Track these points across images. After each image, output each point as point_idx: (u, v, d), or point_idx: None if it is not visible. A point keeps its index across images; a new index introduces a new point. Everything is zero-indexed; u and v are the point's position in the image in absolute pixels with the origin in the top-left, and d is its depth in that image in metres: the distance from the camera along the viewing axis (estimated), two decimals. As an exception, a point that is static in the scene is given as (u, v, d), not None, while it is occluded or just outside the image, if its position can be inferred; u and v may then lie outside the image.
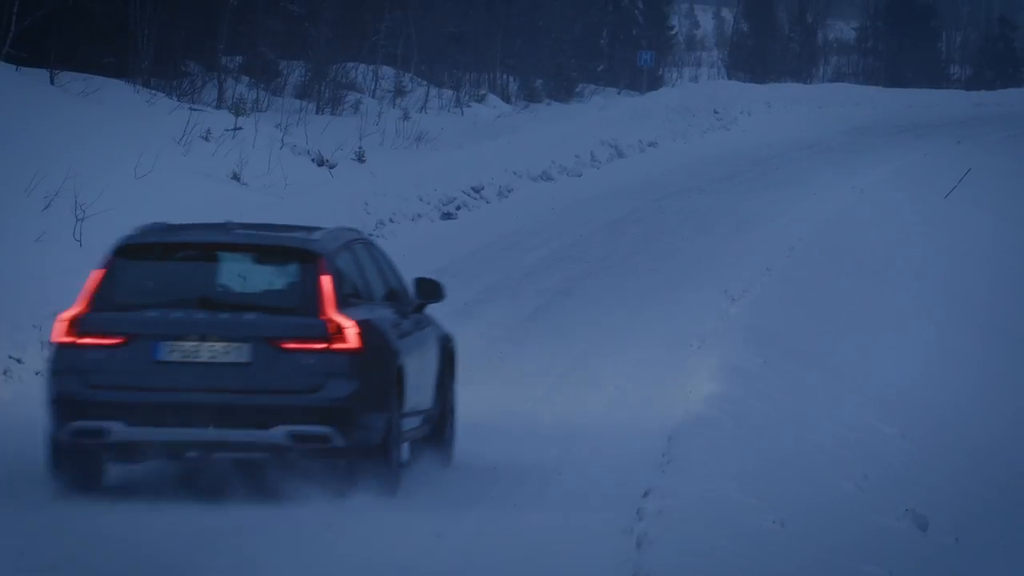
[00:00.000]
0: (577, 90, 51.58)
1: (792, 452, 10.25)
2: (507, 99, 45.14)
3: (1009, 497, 10.41)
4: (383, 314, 10.62)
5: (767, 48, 76.96)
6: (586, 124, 33.47)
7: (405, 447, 10.61)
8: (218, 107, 25.37)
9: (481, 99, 42.03)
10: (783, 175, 28.03)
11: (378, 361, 10.13)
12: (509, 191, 26.06)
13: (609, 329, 15.37)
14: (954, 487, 10.36)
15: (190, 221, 11.32)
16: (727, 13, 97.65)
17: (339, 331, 9.90)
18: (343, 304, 10.08)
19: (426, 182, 23.80)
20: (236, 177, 19.15)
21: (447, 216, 23.01)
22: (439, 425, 11.29)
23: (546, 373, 13.31)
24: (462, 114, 38.97)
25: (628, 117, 35.12)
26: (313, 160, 21.61)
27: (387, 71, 38.16)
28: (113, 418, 9.71)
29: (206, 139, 19.89)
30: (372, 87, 36.97)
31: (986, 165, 26.68)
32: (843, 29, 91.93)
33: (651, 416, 11.32)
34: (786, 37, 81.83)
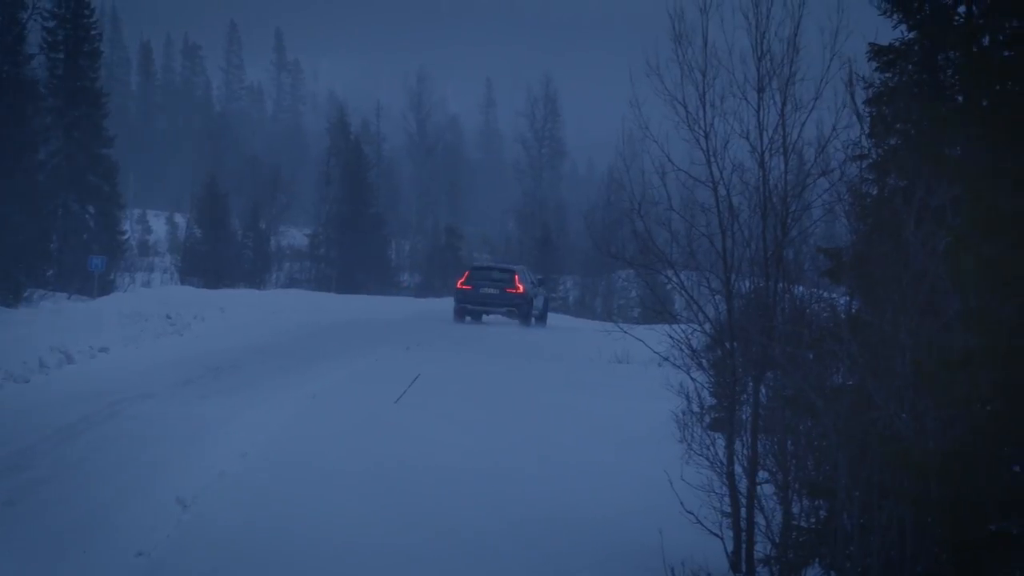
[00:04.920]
0: (25, 295, 50.09)
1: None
2: (-50, 303, 43.31)
3: None
4: (530, 286, 47.98)
5: (221, 253, 77.30)
6: (34, 330, 32.50)
7: (534, 320, 48.21)
8: None
9: (-78, 305, 40.19)
10: (238, 380, 27.95)
11: (528, 296, 47.20)
12: (-50, 399, 24.88)
13: (55, 536, 14.73)
14: None
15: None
16: (180, 218, 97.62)
17: (520, 288, 46.83)
18: (521, 282, 47.06)
19: None
20: None
21: None
22: (542, 315, 49.85)
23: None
24: (-101, 320, 37.10)
25: (78, 322, 34.37)
26: None
27: None
28: (470, 303, 47.22)
29: None
30: None
31: (432, 371, 27.47)
32: (296, 236, 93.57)
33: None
34: (239, 243, 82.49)
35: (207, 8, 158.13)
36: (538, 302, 49.52)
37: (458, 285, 48.15)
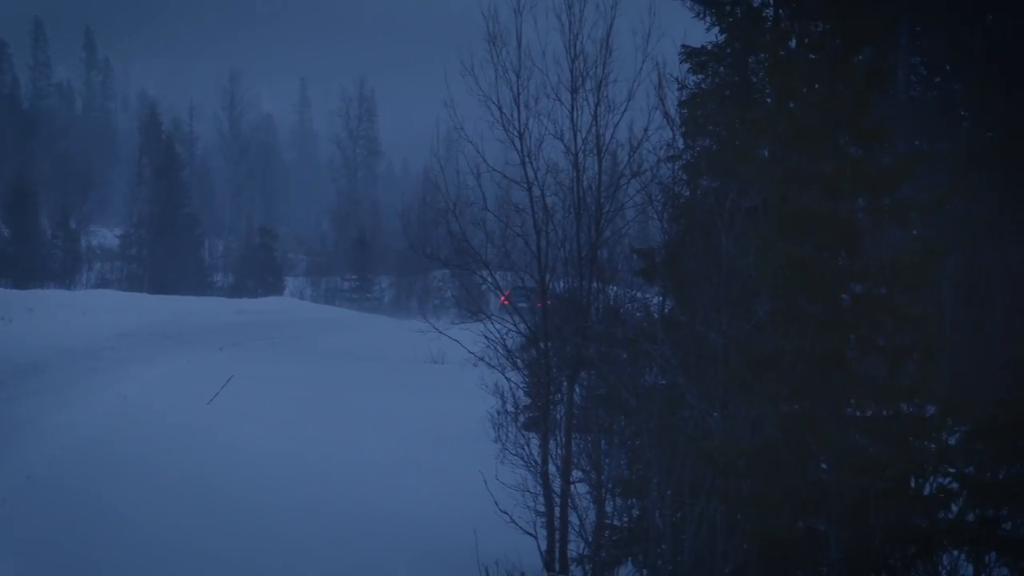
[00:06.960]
0: None
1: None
2: None
3: None
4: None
5: (29, 253, 75.60)
6: None
7: None
8: None
9: None
10: (47, 382, 27.38)
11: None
12: None
13: None
14: None
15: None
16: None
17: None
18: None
19: None
20: None
21: None
22: None
23: None
24: None
25: None
26: None
27: None
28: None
29: None
30: None
31: (246, 372, 27.26)
32: (107, 235, 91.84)
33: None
34: (49, 243, 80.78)
35: (12, 4, 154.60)
36: None
37: (500, 302, 64.36)
